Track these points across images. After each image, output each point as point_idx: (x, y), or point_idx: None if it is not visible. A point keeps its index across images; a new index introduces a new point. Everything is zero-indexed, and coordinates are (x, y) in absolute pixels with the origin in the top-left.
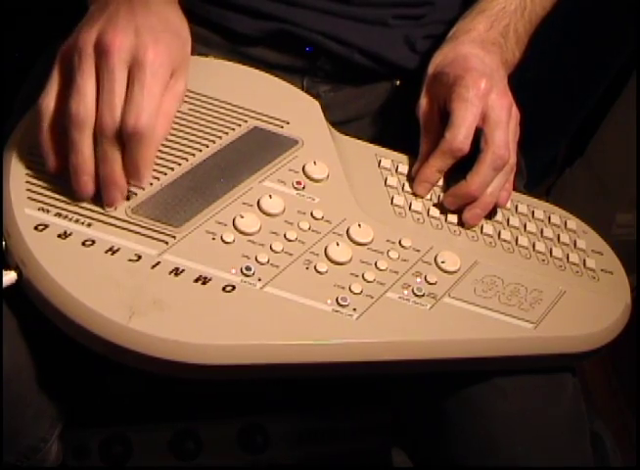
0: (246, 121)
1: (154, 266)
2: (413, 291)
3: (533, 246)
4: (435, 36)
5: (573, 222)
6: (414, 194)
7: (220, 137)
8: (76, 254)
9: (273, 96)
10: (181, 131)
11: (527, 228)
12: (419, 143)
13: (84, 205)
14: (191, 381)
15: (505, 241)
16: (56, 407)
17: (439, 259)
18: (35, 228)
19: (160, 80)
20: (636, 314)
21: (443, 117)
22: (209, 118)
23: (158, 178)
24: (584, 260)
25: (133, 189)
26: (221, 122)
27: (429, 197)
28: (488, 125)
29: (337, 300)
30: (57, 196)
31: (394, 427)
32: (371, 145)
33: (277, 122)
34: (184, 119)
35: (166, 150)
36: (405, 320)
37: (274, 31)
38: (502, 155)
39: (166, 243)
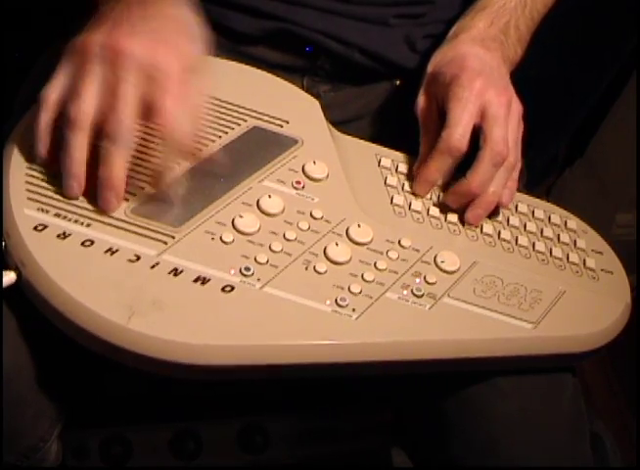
0: (245, 121)
1: (153, 267)
2: (412, 291)
3: (533, 245)
4: (436, 36)
5: (573, 222)
6: (414, 193)
7: (220, 136)
8: (76, 254)
9: (273, 95)
10: None
11: (527, 228)
12: (419, 143)
13: (83, 205)
14: (191, 381)
15: (505, 241)
16: (56, 407)
17: (439, 259)
18: (35, 229)
19: (176, 84)
20: (636, 314)
21: (442, 115)
22: (209, 118)
23: (157, 178)
24: (584, 260)
25: (131, 189)
26: (221, 122)
27: (428, 196)
28: (486, 122)
29: (336, 300)
30: (56, 196)
31: (394, 427)
32: (371, 144)
33: (277, 122)
34: None
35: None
36: (405, 320)
37: (274, 30)
38: (500, 151)
39: (165, 243)
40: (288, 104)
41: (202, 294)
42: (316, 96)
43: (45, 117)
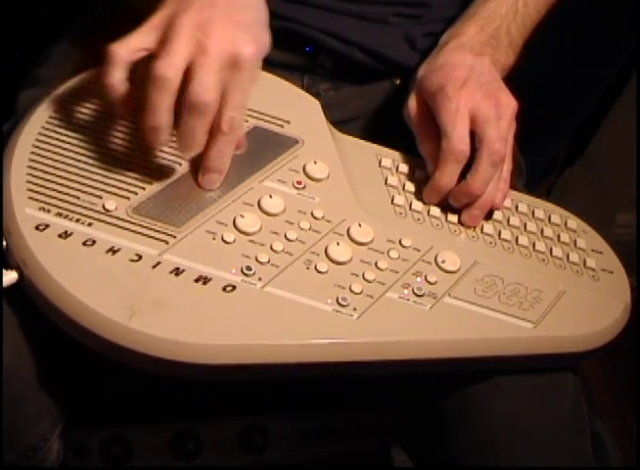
0: (246, 121)
1: (154, 266)
2: (413, 291)
3: (533, 245)
4: (436, 34)
5: (574, 222)
6: (415, 193)
7: None
8: (77, 253)
9: (274, 96)
10: None
11: (528, 228)
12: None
13: (85, 204)
14: (191, 381)
15: (505, 240)
16: (56, 407)
17: (440, 259)
18: (36, 228)
19: (253, 82)
20: (636, 314)
21: (434, 117)
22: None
23: (158, 178)
24: (584, 260)
25: (133, 189)
26: None
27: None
28: (478, 125)
29: (337, 299)
30: (57, 196)
31: (394, 427)
32: (371, 144)
33: (277, 122)
34: None
35: (167, 150)
36: (405, 320)
37: (275, 29)
38: (497, 149)
39: (167, 243)
40: (289, 104)
41: (203, 293)
42: (316, 95)
43: (118, 76)
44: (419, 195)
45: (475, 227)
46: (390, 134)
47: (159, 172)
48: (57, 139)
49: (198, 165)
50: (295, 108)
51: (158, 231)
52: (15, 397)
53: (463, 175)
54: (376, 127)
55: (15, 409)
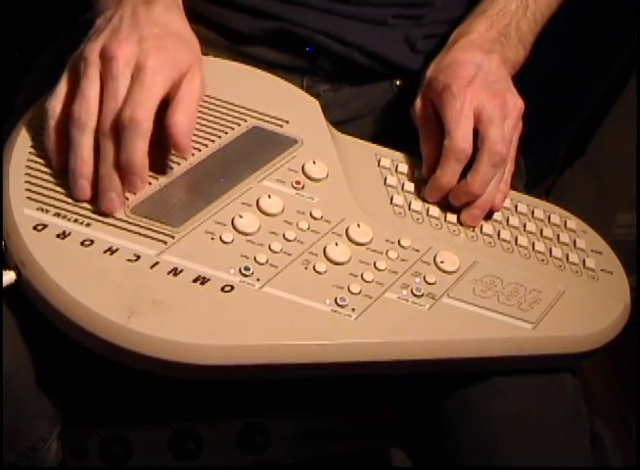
0: (245, 121)
1: (152, 266)
2: (412, 291)
3: (533, 245)
4: (436, 36)
5: (573, 222)
6: (414, 193)
7: (219, 136)
8: (75, 254)
9: (273, 95)
10: None
11: (527, 228)
12: (419, 143)
13: (83, 205)
14: (191, 381)
15: (504, 241)
16: (55, 407)
17: (438, 259)
18: (34, 228)
19: (160, 81)
20: (636, 314)
21: (440, 120)
22: (209, 118)
23: (156, 178)
24: (584, 260)
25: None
26: (221, 122)
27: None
28: (482, 124)
29: (335, 300)
30: (56, 196)
31: (394, 427)
32: (371, 144)
33: (276, 122)
34: None
35: (165, 150)
36: (404, 320)
37: (274, 30)
38: (499, 150)
39: (165, 243)
40: (288, 104)
41: (201, 294)
42: (316, 96)
43: (52, 125)
44: (418, 195)
45: (474, 227)
46: (390, 134)
47: (157, 172)
48: None
49: (197, 165)
50: (294, 108)
51: (156, 231)
52: (13, 397)
53: (464, 174)
54: (375, 127)
55: (13, 410)
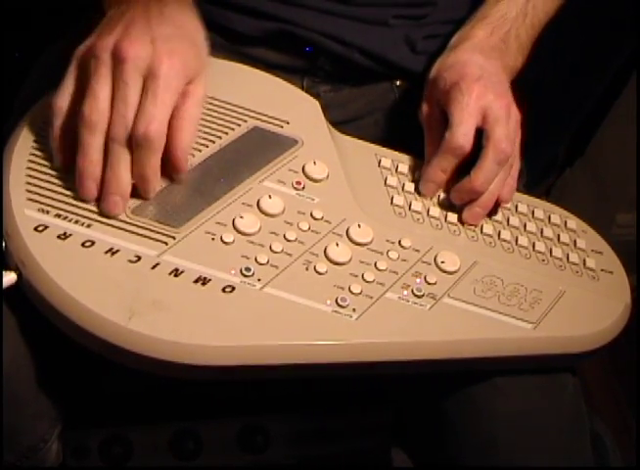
0: (245, 121)
1: (153, 267)
2: (413, 291)
3: (533, 246)
4: (436, 36)
5: (573, 222)
6: (414, 194)
7: (220, 137)
8: (76, 254)
9: (273, 96)
10: None
11: (527, 228)
12: (419, 143)
13: (84, 206)
14: (191, 381)
15: (505, 241)
16: (55, 407)
17: (439, 260)
18: (35, 229)
19: (172, 91)
20: (636, 314)
21: (445, 120)
22: (209, 118)
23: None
24: (584, 260)
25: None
26: (221, 122)
27: (428, 197)
28: (488, 123)
29: (336, 300)
30: (57, 197)
31: (394, 427)
32: (371, 145)
33: (277, 122)
34: None
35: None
36: (405, 321)
37: (274, 31)
38: (504, 149)
39: (166, 244)
40: (288, 104)
41: (202, 294)
42: (316, 96)
43: (58, 123)
44: (418, 195)
45: (474, 227)
46: (390, 134)
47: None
48: None
49: (197, 166)
50: (294, 108)
51: (157, 232)
52: (14, 397)
53: (468, 172)
54: (375, 128)
55: (14, 410)
